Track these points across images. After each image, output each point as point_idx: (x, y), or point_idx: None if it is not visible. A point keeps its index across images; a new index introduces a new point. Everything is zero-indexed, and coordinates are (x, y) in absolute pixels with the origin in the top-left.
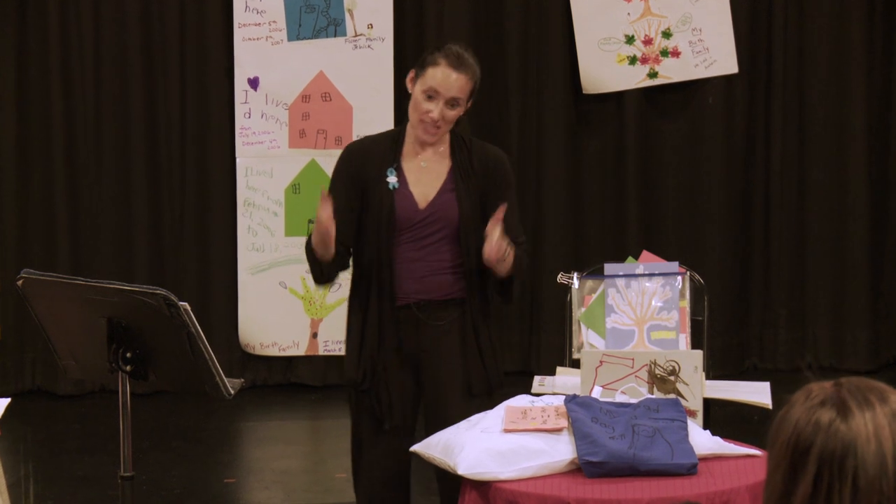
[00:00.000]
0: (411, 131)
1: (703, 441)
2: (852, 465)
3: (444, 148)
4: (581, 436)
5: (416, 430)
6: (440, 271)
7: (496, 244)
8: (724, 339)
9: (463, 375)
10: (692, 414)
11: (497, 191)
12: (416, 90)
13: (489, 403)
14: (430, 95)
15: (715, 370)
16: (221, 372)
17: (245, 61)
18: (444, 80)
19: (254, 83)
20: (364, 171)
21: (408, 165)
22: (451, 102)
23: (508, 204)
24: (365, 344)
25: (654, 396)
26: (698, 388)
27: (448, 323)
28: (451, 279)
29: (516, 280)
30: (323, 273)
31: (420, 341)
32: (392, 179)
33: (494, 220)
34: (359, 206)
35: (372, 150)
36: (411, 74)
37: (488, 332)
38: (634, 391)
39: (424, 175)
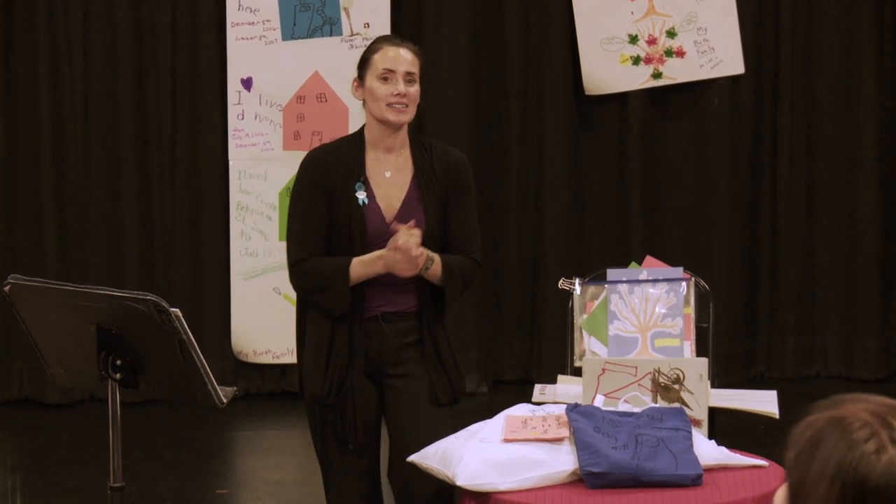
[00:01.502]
0: (371, 137)
1: (708, 451)
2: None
3: (406, 153)
4: (583, 446)
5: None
6: (405, 282)
7: (405, 245)
8: (730, 347)
9: (428, 387)
10: (697, 423)
11: (458, 196)
12: (369, 84)
13: (452, 413)
14: (386, 77)
15: (720, 379)
16: (213, 380)
17: (238, 61)
18: (394, 56)
19: (247, 84)
20: (330, 183)
21: (373, 178)
22: (408, 78)
23: (466, 211)
24: (332, 358)
25: (657, 405)
26: (703, 396)
27: (411, 335)
28: (414, 294)
29: (448, 291)
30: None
31: (383, 354)
32: (361, 195)
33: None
34: (326, 217)
35: (335, 161)
36: (355, 82)
37: (447, 341)
38: (638, 400)
39: (390, 187)
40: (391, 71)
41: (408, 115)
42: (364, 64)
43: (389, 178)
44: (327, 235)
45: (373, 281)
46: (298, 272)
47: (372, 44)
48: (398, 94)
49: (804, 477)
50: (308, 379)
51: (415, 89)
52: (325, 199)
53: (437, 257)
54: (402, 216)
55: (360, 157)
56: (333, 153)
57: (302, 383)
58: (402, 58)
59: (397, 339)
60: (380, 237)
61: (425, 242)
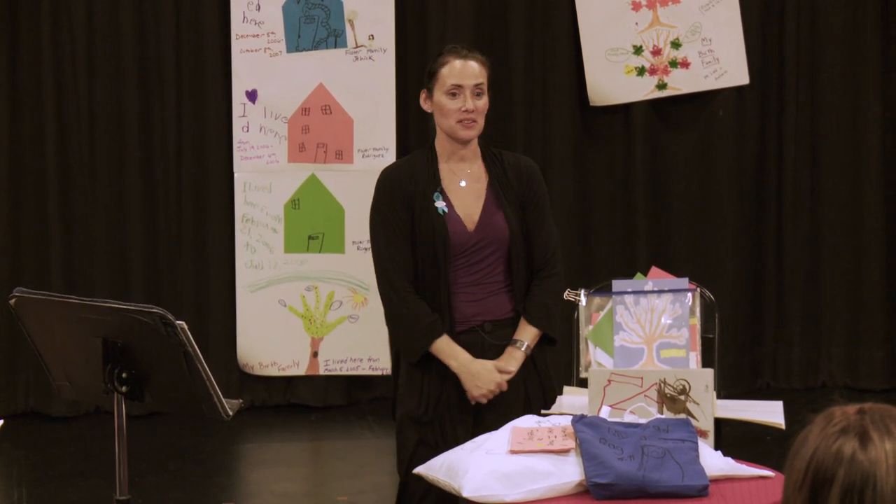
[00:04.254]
0: (443, 150)
1: (714, 462)
2: (871, 497)
3: (478, 164)
4: (589, 457)
5: None
6: (497, 291)
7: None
8: (735, 358)
9: (523, 393)
10: (703, 434)
11: (533, 205)
12: (437, 98)
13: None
14: (454, 93)
15: (726, 389)
16: (219, 392)
17: (243, 73)
18: (462, 70)
19: (252, 96)
20: (410, 193)
21: (449, 188)
22: (476, 91)
23: (543, 220)
24: (427, 377)
25: (663, 416)
26: (709, 407)
27: (509, 340)
28: (507, 297)
29: (550, 325)
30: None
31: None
32: (441, 204)
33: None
34: (411, 229)
35: (410, 174)
36: (424, 94)
37: (541, 348)
38: (643, 411)
39: (465, 196)
40: (459, 86)
41: (476, 130)
42: (432, 77)
43: (465, 187)
44: (410, 254)
45: (464, 291)
46: (396, 307)
47: (440, 56)
48: (466, 111)
49: (791, 467)
50: (402, 398)
51: (483, 101)
52: (408, 211)
53: (523, 345)
54: (483, 224)
55: (434, 168)
56: (408, 167)
57: (395, 401)
58: (470, 71)
59: (501, 348)
60: (462, 246)
61: (511, 249)
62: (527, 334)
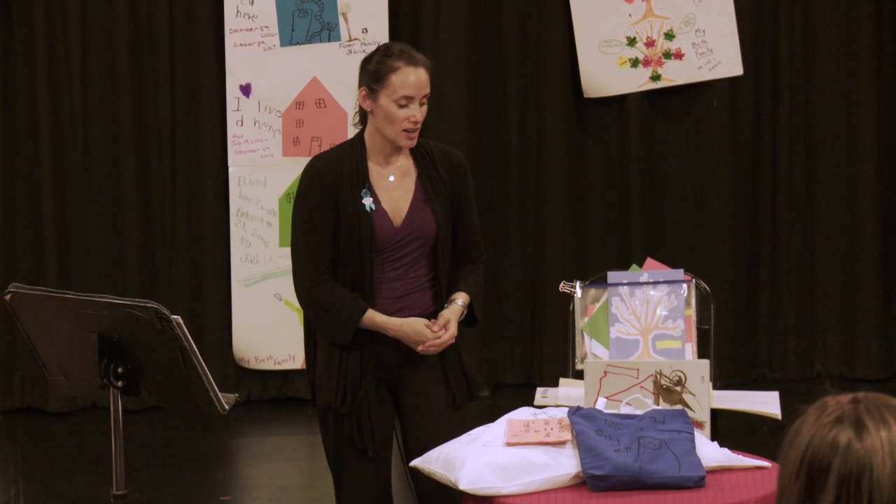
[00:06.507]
0: (373, 145)
1: (710, 453)
2: (867, 485)
3: (406, 155)
4: (585, 449)
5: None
6: (418, 288)
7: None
8: (731, 348)
9: (445, 389)
10: (699, 425)
11: (463, 195)
12: (385, 103)
13: (466, 414)
14: (403, 105)
15: (722, 380)
16: (215, 387)
17: (237, 68)
18: (416, 82)
19: (246, 90)
20: (336, 190)
21: (377, 183)
22: (423, 100)
23: (471, 210)
24: (344, 366)
25: (659, 407)
26: (705, 398)
27: None
28: (429, 294)
29: (476, 304)
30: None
31: (400, 359)
32: (368, 201)
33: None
34: (334, 226)
35: (339, 168)
36: (364, 92)
37: (463, 341)
38: (640, 402)
39: (394, 191)
40: (411, 97)
41: (417, 138)
42: (378, 80)
43: (393, 182)
44: (335, 244)
45: (387, 287)
46: (314, 294)
47: (388, 58)
48: (415, 122)
49: (785, 459)
50: (320, 388)
51: (425, 108)
52: (332, 207)
53: (461, 300)
54: (411, 220)
55: (363, 163)
56: (335, 161)
57: (314, 392)
58: (421, 81)
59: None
60: (388, 242)
61: (437, 244)
62: (460, 296)
